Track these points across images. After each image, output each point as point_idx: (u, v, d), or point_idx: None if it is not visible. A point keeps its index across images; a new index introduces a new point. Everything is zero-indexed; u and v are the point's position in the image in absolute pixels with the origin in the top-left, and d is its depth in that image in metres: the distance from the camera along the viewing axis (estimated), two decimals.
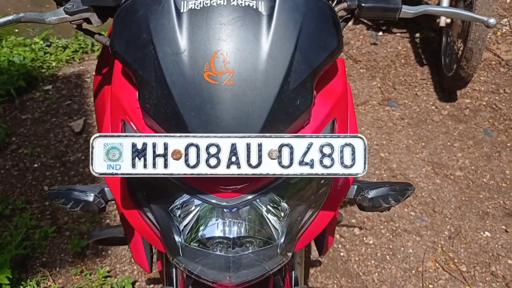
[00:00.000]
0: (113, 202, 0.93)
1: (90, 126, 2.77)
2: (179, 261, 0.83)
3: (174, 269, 1.08)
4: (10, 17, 0.95)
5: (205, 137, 0.71)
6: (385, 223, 2.26)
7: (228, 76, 0.74)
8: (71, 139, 2.68)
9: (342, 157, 0.72)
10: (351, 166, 0.72)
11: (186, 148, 0.71)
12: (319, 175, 0.72)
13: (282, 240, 0.84)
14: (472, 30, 2.55)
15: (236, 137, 0.71)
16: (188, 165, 0.71)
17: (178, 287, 1.07)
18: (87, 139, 2.68)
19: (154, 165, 0.71)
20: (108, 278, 2.01)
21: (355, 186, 0.91)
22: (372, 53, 3.34)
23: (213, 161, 0.71)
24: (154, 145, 0.70)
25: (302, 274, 1.10)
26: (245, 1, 0.77)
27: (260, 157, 0.71)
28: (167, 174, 0.71)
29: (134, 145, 0.70)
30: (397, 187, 0.91)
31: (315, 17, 0.80)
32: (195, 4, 0.77)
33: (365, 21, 3.60)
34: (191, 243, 0.84)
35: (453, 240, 2.20)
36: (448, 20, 2.86)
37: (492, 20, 1.06)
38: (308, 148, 0.71)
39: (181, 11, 0.77)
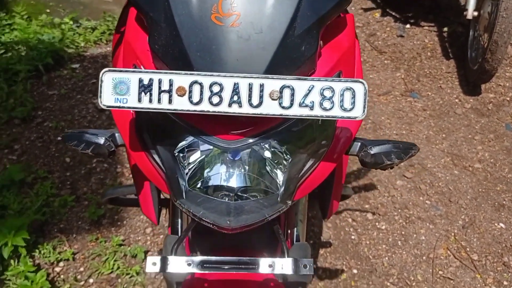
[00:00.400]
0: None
1: None
2: (182, 203, 0.86)
3: (179, 220, 1.11)
4: None
5: (208, 75, 0.73)
6: (399, 210, 2.25)
7: (235, 18, 0.76)
8: (94, 115, 2.75)
9: (342, 101, 0.73)
10: (351, 109, 0.73)
11: (190, 85, 0.73)
12: (318, 117, 0.73)
13: (282, 188, 0.86)
14: (498, 22, 2.51)
15: (239, 77, 0.73)
16: (191, 101, 0.73)
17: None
18: (110, 116, 2.74)
19: (159, 100, 0.73)
20: (122, 246, 2.06)
21: (359, 143, 0.93)
22: (398, 45, 3.32)
23: (215, 99, 0.73)
24: (160, 81, 0.73)
25: (304, 231, 1.11)
26: None
27: (261, 97, 0.73)
28: (171, 110, 0.74)
29: (141, 81, 0.73)
30: (400, 145, 0.92)
31: None
32: None
33: (393, 13, 3.58)
34: (195, 188, 0.87)
35: (466, 230, 2.18)
36: (476, 13, 2.82)
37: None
38: (309, 91, 0.73)
39: None
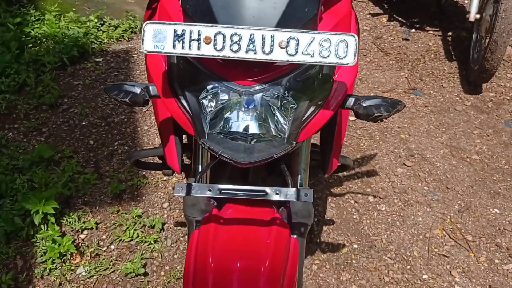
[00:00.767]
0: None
1: None
2: (204, 142, 1.04)
3: (199, 166, 1.28)
4: None
5: (230, 27, 0.91)
6: (399, 194, 2.41)
7: None
8: (116, 103, 2.94)
9: (337, 50, 0.91)
10: (344, 57, 0.91)
11: (215, 35, 0.91)
12: (317, 62, 0.91)
13: (288, 131, 1.03)
14: (498, 23, 2.68)
15: (254, 29, 0.91)
16: (215, 48, 0.91)
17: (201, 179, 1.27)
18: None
19: (189, 47, 0.92)
20: (141, 218, 2.23)
21: (353, 98, 1.10)
22: (403, 47, 3.49)
23: (235, 47, 0.91)
24: (190, 32, 0.91)
25: (306, 179, 1.28)
26: None
27: (272, 46, 0.91)
28: (199, 55, 0.92)
29: (175, 31, 0.91)
30: (388, 100, 1.09)
31: None
32: None
33: (399, 18, 3.75)
34: (215, 131, 1.05)
35: (462, 214, 2.33)
36: (478, 16, 2.99)
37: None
38: (311, 41, 0.91)
39: None
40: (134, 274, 2.02)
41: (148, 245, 2.13)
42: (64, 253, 2.07)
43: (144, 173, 2.49)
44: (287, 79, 1.00)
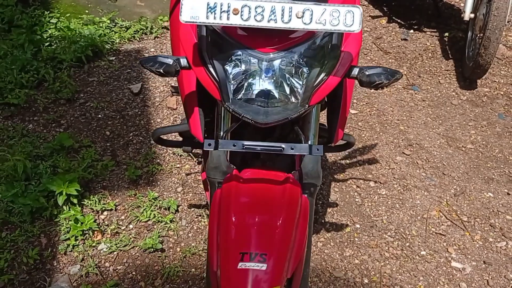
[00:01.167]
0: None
1: (147, 89, 3.19)
2: (228, 105, 1.20)
3: (221, 132, 1.43)
4: None
5: (254, 1, 1.08)
6: (398, 180, 2.56)
7: None
8: (130, 98, 3.10)
9: (345, 19, 1.08)
10: (351, 25, 1.08)
11: (242, 7, 1.08)
12: (328, 30, 1.08)
13: (301, 95, 1.19)
14: (490, 20, 2.85)
15: (275, 2, 1.08)
16: (242, 18, 1.08)
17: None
18: (144, 99, 3.09)
19: (220, 17, 1.08)
20: (157, 200, 2.38)
21: (358, 68, 1.26)
22: (402, 47, 3.67)
23: (259, 17, 1.08)
24: (221, 4, 1.08)
25: (316, 142, 1.43)
26: None
27: (290, 16, 1.08)
28: (228, 24, 1.09)
29: (208, 4, 1.08)
30: (388, 70, 1.25)
31: None
32: None
33: (398, 20, 3.94)
34: (238, 96, 1.21)
35: (458, 197, 2.48)
36: (472, 15, 3.16)
37: None
38: (323, 12, 1.08)
39: None
40: (152, 250, 2.17)
41: (164, 224, 2.28)
42: (86, 231, 2.21)
43: (158, 160, 2.64)
44: (301, 48, 1.17)
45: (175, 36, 1.60)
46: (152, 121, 2.93)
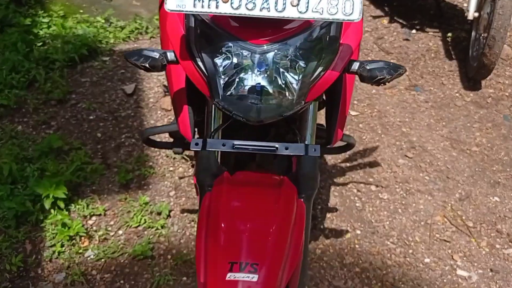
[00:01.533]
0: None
1: (140, 90, 3.09)
2: (218, 102, 1.10)
3: (212, 129, 1.33)
4: None
5: None
6: (400, 184, 2.45)
7: None
8: (123, 99, 3.00)
9: (344, 7, 0.97)
10: (350, 14, 0.97)
11: None
12: (326, 19, 0.97)
13: (297, 91, 1.09)
14: (495, 19, 2.75)
15: None
16: (232, 7, 0.98)
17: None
18: (137, 100, 2.99)
19: (208, 6, 0.98)
20: (148, 205, 2.28)
21: (358, 62, 1.16)
22: (404, 47, 3.57)
23: (250, 5, 0.98)
24: None
25: (313, 142, 1.33)
26: None
27: (284, 4, 0.98)
28: (217, 12, 0.98)
29: None
30: (391, 64, 1.15)
31: None
32: None
33: (400, 20, 3.84)
34: (228, 92, 1.11)
35: (463, 202, 2.37)
36: (476, 14, 3.06)
37: None
38: (320, 0, 0.97)
39: None
40: (142, 257, 2.07)
41: (155, 230, 2.18)
42: (73, 236, 2.11)
43: (151, 163, 2.54)
44: (297, 39, 1.06)
45: (163, 29, 1.50)
46: (145, 122, 2.83)
